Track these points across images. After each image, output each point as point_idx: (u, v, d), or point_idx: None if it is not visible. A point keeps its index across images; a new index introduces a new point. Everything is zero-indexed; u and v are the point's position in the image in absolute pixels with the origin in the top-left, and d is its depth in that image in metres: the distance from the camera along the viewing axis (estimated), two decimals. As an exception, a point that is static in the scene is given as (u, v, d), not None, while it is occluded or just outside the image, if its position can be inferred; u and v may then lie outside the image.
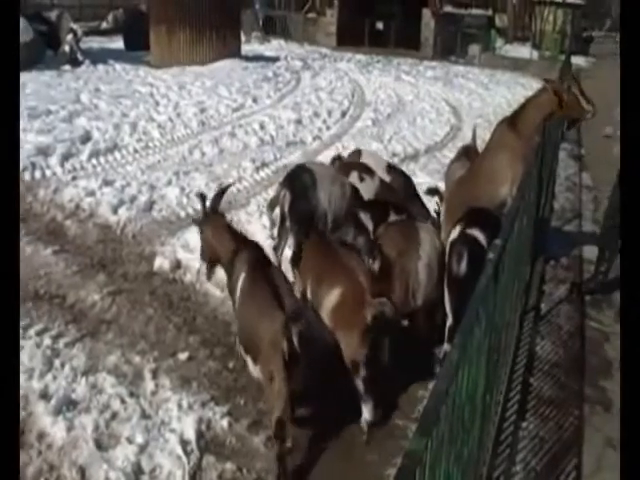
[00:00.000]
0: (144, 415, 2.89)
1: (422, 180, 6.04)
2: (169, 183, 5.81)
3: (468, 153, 4.81)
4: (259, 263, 2.92)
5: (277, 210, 3.88)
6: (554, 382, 3.41)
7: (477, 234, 3.17)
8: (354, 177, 4.11)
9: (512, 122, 4.02)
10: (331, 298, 2.96)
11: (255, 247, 3.02)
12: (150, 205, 5.31)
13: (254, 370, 2.72)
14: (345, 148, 7.31)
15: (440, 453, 1.56)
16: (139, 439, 2.74)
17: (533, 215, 3.97)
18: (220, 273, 3.23)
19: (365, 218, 3.69)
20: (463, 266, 3.10)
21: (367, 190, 4.01)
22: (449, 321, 3.26)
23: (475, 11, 26.40)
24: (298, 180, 3.88)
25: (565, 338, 3.88)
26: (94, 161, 6.45)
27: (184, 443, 2.75)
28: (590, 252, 4.94)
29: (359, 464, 2.79)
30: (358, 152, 4.81)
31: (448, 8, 23.56)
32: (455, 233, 3.26)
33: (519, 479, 2.71)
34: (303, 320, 2.65)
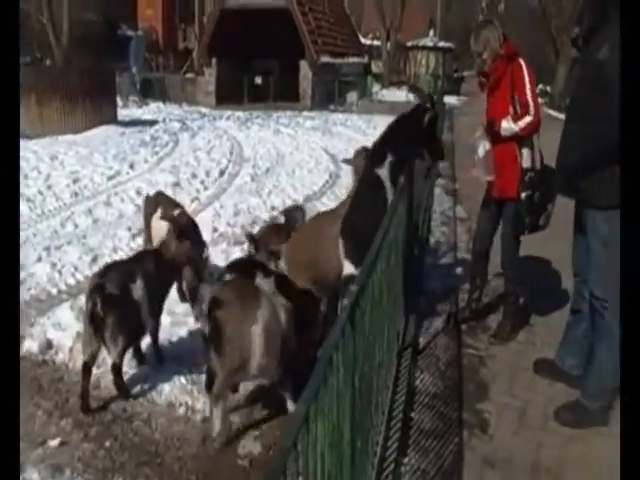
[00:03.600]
0: (8, 516, 2.71)
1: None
2: (39, 259, 5.57)
3: None
4: None
5: None
6: (434, 413, 3.52)
7: None
8: None
9: None
10: None
11: None
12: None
13: None
14: (223, 207, 7.41)
15: (294, 508, 1.56)
16: None
17: (405, 253, 4.11)
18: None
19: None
20: None
21: None
22: None
23: (352, 59, 27.41)
24: (292, 213, 4.90)
25: (443, 369, 4.03)
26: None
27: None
28: (465, 282, 5.16)
29: None
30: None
31: (325, 58, 24.31)
32: None
33: (402, 516, 2.75)
34: (110, 289, 3.35)
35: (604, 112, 3.08)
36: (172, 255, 3.77)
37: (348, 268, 3.73)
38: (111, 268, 3.62)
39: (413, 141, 4.21)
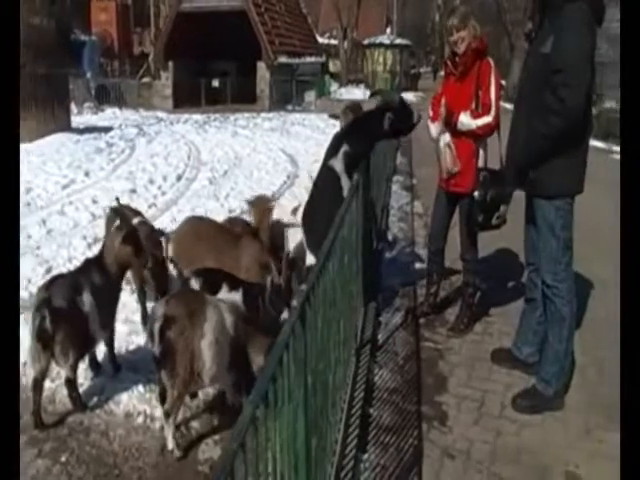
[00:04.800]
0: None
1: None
2: (-9, 273, 5.45)
3: None
4: None
5: None
6: (393, 408, 3.55)
7: None
8: None
9: None
10: None
11: None
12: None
13: None
14: (180, 212, 7.34)
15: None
16: None
17: (360, 250, 4.13)
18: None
19: (195, 284, 3.66)
20: None
21: None
22: None
23: (309, 59, 27.43)
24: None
25: (402, 363, 4.06)
26: None
27: None
28: (423, 276, 5.19)
29: None
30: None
31: (282, 59, 24.32)
32: None
33: (362, 512, 2.77)
34: (56, 303, 3.25)
35: (548, 104, 3.16)
36: (114, 257, 3.63)
37: (310, 259, 3.77)
38: (56, 280, 3.49)
39: (370, 138, 4.27)
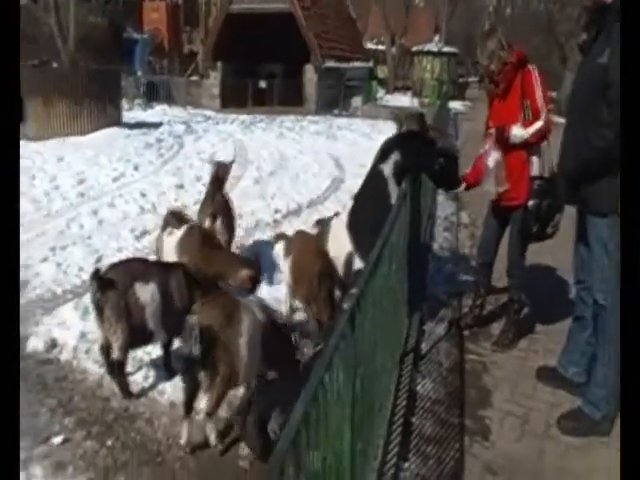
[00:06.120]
0: (12, 511, 2.72)
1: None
2: (44, 260, 5.62)
3: None
4: None
5: None
6: (435, 419, 3.52)
7: None
8: None
9: None
10: None
11: None
12: (24, 284, 5.08)
13: None
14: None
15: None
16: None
17: (405, 259, 4.12)
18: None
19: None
20: None
21: None
22: None
23: (357, 64, 27.37)
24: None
25: (445, 374, 4.02)
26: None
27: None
28: (468, 288, 5.14)
29: None
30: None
31: (330, 63, 24.31)
32: None
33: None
34: (105, 279, 3.37)
35: (604, 117, 3.09)
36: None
37: (358, 263, 3.82)
38: (127, 262, 3.68)
39: (418, 163, 4.25)
